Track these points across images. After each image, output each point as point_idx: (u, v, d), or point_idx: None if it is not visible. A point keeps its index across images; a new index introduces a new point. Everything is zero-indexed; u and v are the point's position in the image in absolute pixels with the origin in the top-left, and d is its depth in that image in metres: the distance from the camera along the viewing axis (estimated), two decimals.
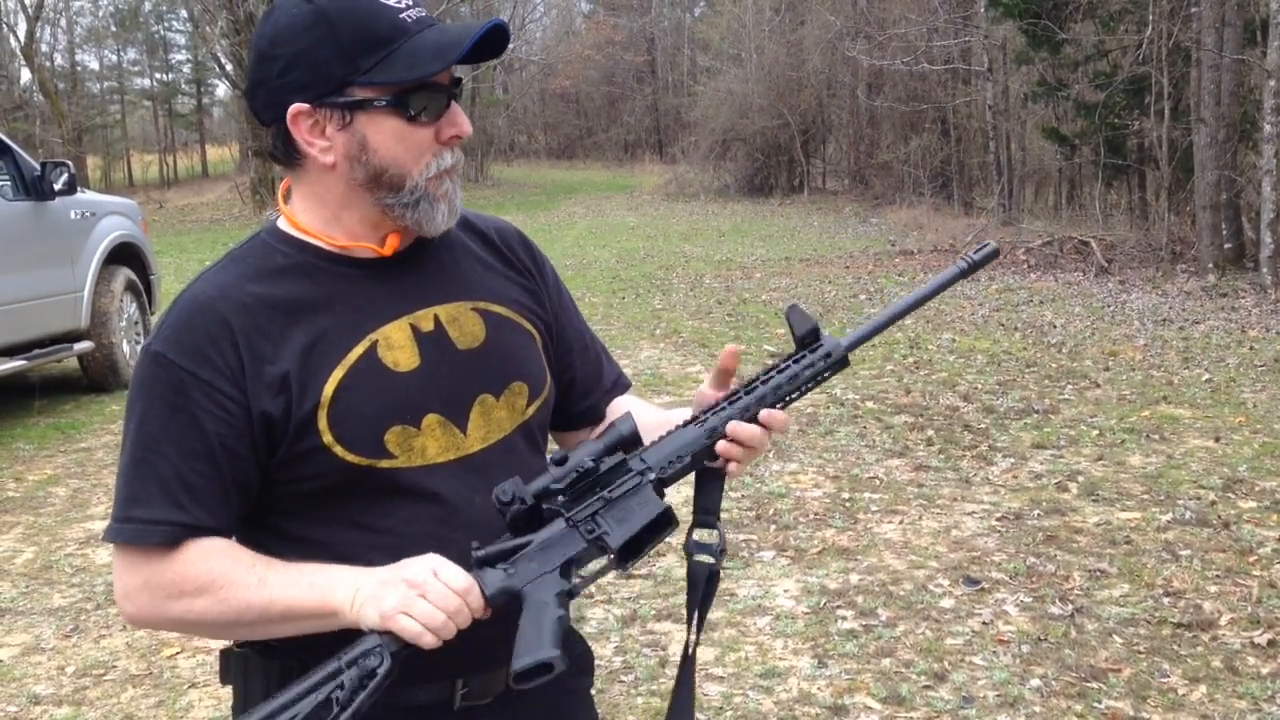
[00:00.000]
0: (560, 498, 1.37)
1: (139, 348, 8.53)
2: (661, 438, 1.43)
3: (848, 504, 5.28)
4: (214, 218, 26.10)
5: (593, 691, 1.66)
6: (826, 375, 1.43)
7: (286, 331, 1.38)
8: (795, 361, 1.44)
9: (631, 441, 1.40)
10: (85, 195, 8.35)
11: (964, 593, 4.26)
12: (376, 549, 1.37)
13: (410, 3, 1.39)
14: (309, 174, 1.43)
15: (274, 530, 1.42)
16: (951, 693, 3.52)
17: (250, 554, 1.36)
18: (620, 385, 1.70)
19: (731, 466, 1.42)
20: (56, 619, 4.31)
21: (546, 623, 1.31)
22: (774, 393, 1.42)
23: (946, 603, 4.18)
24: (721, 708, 3.45)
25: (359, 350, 1.39)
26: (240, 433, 1.35)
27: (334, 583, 1.32)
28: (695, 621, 1.45)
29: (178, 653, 3.97)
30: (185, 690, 3.71)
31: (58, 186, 7.57)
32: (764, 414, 1.41)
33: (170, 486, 1.33)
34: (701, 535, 1.44)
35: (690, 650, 1.47)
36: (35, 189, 7.47)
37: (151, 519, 1.33)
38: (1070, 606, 4.08)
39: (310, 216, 1.44)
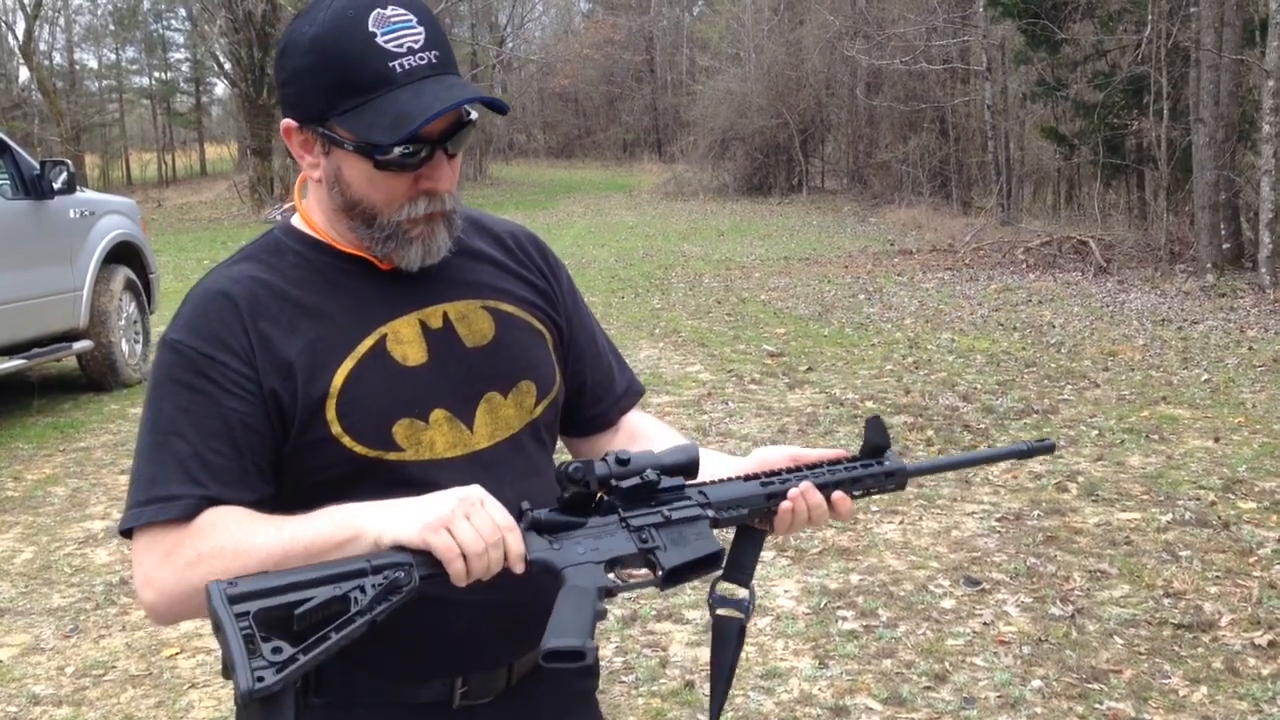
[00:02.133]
0: (618, 499, 1.37)
1: (138, 347, 8.58)
2: (720, 480, 1.44)
3: None
4: (213, 216, 26.10)
5: (595, 693, 1.65)
6: (883, 487, 1.52)
7: (295, 322, 1.39)
8: (861, 465, 1.51)
9: (690, 468, 1.40)
10: (84, 194, 8.35)
11: (965, 593, 4.26)
12: None
13: (415, 45, 1.34)
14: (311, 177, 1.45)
15: None
16: (953, 694, 3.51)
17: (266, 515, 1.34)
18: (632, 392, 1.70)
19: (779, 524, 1.45)
20: (56, 619, 4.30)
21: (587, 611, 1.28)
22: (835, 481, 1.48)
23: (947, 603, 4.18)
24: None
25: (369, 343, 1.40)
26: (257, 409, 1.35)
27: (357, 511, 1.29)
28: (724, 681, 1.52)
29: (178, 653, 3.96)
30: (185, 690, 3.70)
31: (57, 185, 7.56)
32: (837, 494, 1.47)
33: (188, 465, 1.33)
34: (728, 589, 1.45)
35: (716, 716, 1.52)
36: (34, 188, 7.46)
37: (169, 495, 1.32)
38: (1071, 607, 4.08)
39: (319, 215, 1.46)
